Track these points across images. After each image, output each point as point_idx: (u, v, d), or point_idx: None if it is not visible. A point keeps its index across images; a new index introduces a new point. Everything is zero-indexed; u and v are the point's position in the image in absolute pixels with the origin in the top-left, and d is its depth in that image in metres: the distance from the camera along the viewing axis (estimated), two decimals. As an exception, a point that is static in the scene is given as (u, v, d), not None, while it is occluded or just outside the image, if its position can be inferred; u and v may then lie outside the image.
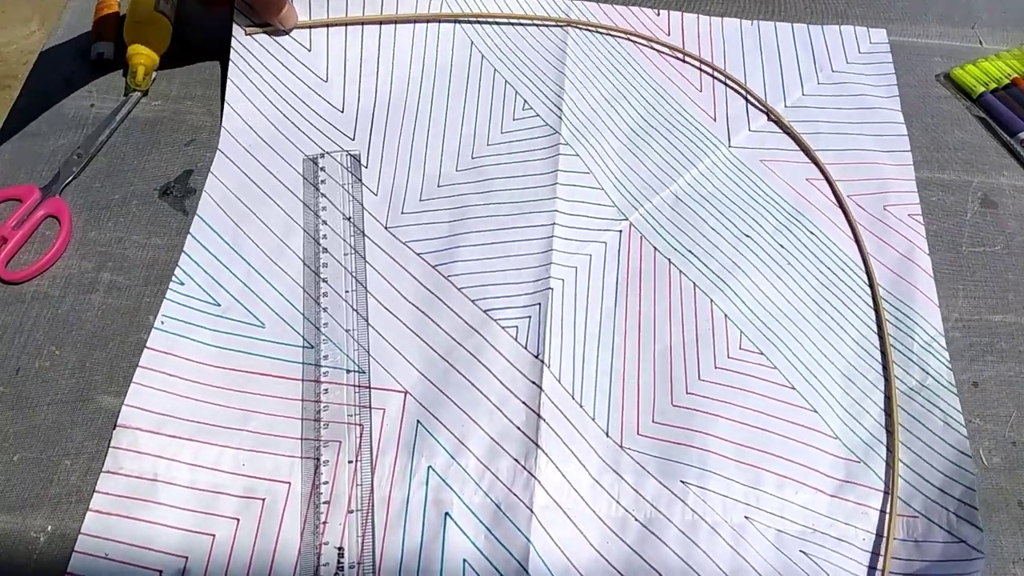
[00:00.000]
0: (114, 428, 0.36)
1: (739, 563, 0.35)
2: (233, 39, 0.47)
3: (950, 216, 0.47)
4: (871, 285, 0.43)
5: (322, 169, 0.45)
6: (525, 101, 0.49)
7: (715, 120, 0.49)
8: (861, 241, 0.45)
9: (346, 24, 0.49)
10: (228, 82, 0.47)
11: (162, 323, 0.39)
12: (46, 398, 0.38)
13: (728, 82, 0.51)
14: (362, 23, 0.49)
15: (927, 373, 0.40)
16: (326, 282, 0.41)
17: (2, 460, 0.36)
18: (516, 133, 0.47)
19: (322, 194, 0.44)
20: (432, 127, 0.47)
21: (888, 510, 0.37)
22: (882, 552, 0.35)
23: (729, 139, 0.49)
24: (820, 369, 0.40)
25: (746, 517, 0.36)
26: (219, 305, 0.40)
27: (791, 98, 0.51)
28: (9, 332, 0.39)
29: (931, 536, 0.36)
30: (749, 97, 0.50)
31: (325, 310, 0.40)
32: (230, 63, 0.47)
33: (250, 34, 0.47)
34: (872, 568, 0.35)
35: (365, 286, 0.41)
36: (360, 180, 0.45)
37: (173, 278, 0.41)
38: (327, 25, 0.49)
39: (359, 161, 0.46)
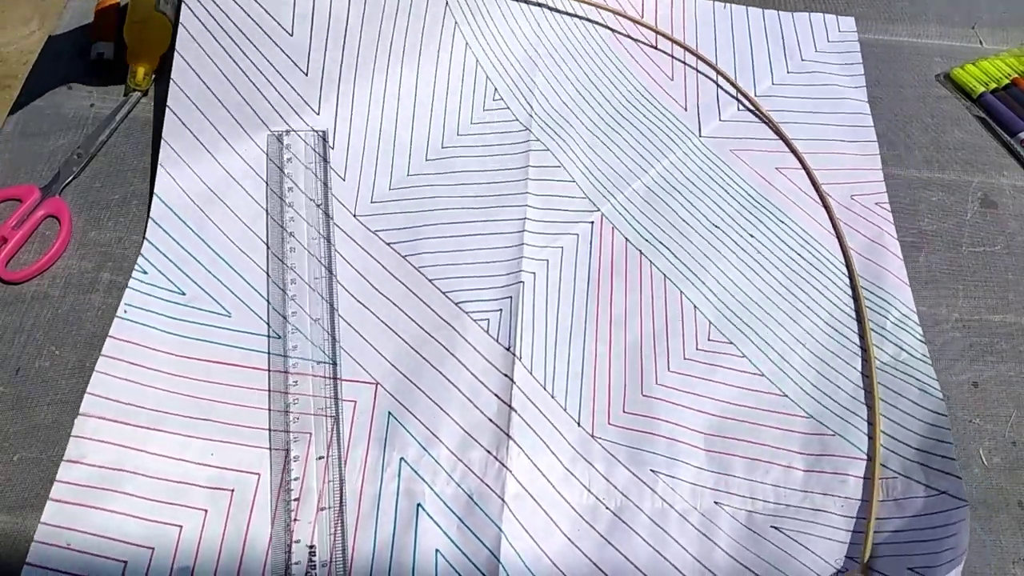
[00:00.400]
0: (76, 417, 0.36)
1: (708, 547, 0.35)
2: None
3: (950, 216, 0.47)
4: (848, 264, 0.44)
5: (287, 147, 0.44)
6: (496, 89, 0.48)
7: (686, 110, 0.50)
8: (836, 221, 0.45)
9: None
10: (178, 26, 0.43)
11: (125, 312, 0.39)
12: (46, 398, 0.37)
13: (700, 68, 0.51)
14: None
15: (901, 348, 0.41)
16: (293, 269, 0.41)
17: (2, 460, 0.36)
18: (486, 125, 0.47)
19: (287, 175, 0.43)
20: (401, 110, 0.46)
21: (871, 475, 0.37)
22: (865, 515, 0.36)
23: (700, 129, 0.49)
24: (792, 353, 0.41)
25: (716, 503, 0.36)
26: (184, 294, 0.40)
27: (761, 87, 0.51)
28: (9, 332, 0.39)
29: (910, 492, 0.37)
30: (721, 84, 0.51)
31: (292, 298, 0.40)
32: (183, 5, 0.43)
33: None
34: (852, 532, 0.36)
35: (333, 274, 0.41)
36: (327, 162, 0.44)
37: (136, 267, 0.40)
38: None
39: (326, 141, 0.44)
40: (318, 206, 0.43)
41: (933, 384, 0.40)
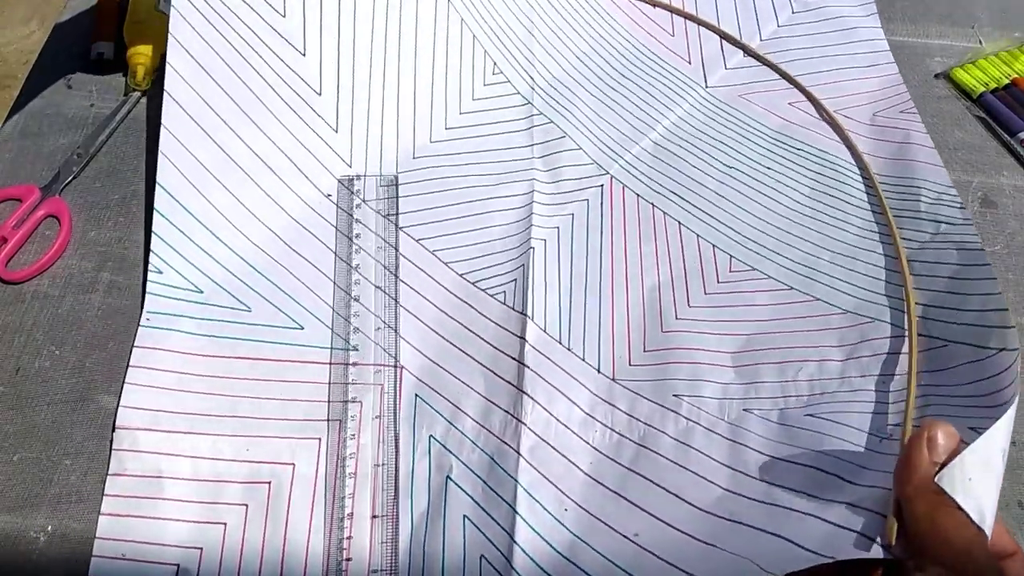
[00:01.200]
0: (113, 431, 0.36)
1: (738, 451, 0.34)
2: None
3: (950, 216, 0.47)
4: (855, 156, 0.44)
5: (290, 132, 0.43)
6: (495, 64, 0.48)
7: (690, 63, 0.49)
8: (844, 133, 0.45)
9: None
10: (171, 10, 0.41)
11: (148, 320, 0.39)
12: (46, 398, 0.37)
13: (701, 24, 0.51)
14: None
15: (939, 223, 0.41)
16: (307, 259, 0.41)
17: (2, 460, 0.36)
18: (488, 101, 0.47)
19: (291, 160, 0.43)
20: (402, 87, 0.45)
21: (910, 344, 0.36)
22: (903, 388, 0.34)
23: (705, 80, 0.49)
24: (820, 261, 0.41)
25: (744, 410, 0.36)
26: (202, 292, 0.40)
27: (766, 31, 0.51)
28: (9, 332, 0.39)
29: (961, 358, 0.35)
30: (723, 38, 0.50)
31: (310, 289, 0.40)
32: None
33: None
34: (891, 403, 0.34)
35: (349, 263, 0.41)
36: (333, 149, 0.44)
37: (150, 267, 0.40)
38: None
39: (332, 128, 0.44)
40: (327, 196, 0.43)
41: (974, 243, 0.39)
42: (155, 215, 0.40)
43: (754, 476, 0.33)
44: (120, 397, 0.37)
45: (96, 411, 0.37)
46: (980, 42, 0.55)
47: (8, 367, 0.38)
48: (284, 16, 0.43)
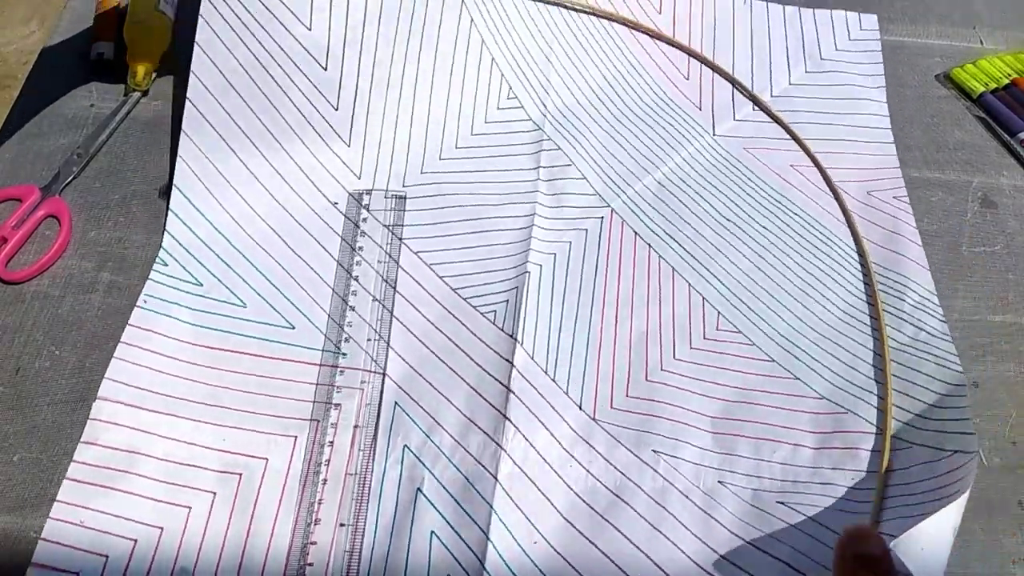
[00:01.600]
0: (95, 401, 0.36)
1: (709, 524, 0.35)
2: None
3: (950, 216, 0.47)
4: (856, 241, 0.44)
5: (304, 144, 0.44)
6: (511, 87, 0.48)
7: (700, 109, 0.50)
8: (849, 212, 0.45)
9: None
10: (199, 19, 0.43)
11: (145, 302, 0.39)
12: (46, 398, 0.37)
13: (716, 71, 0.51)
14: None
15: (920, 328, 0.41)
16: (307, 263, 0.42)
17: (2, 460, 0.36)
18: (499, 124, 0.47)
19: (301, 168, 0.44)
20: (417, 106, 0.46)
21: (881, 447, 0.37)
22: (875, 485, 0.36)
23: (714, 127, 0.49)
24: (803, 338, 0.41)
25: (719, 482, 0.36)
26: (201, 285, 0.40)
27: (778, 87, 0.51)
28: (9, 332, 0.39)
29: (923, 458, 0.36)
30: (735, 86, 0.50)
31: (307, 292, 0.41)
32: (202, 2, 0.43)
33: None
34: (860, 502, 0.35)
35: (350, 273, 0.41)
36: (344, 162, 0.44)
37: (157, 259, 0.41)
38: None
39: (345, 142, 0.45)
40: (333, 204, 0.43)
41: (952, 359, 0.40)
42: (169, 215, 0.42)
43: (724, 556, 0.34)
44: (107, 370, 0.37)
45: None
46: (980, 42, 0.55)
47: (8, 367, 0.38)
48: (310, 30, 0.44)
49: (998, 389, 0.41)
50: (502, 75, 0.48)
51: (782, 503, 0.36)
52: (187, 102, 0.43)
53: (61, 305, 0.40)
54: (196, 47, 0.43)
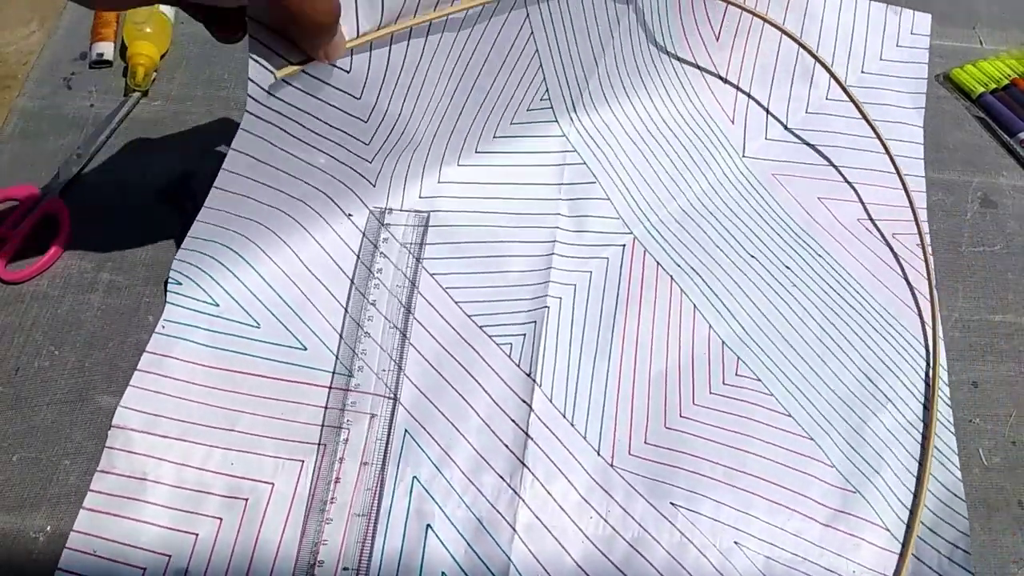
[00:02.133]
0: (109, 428, 0.36)
1: None
2: (252, 90, 0.32)
3: (950, 216, 0.47)
4: (879, 312, 0.43)
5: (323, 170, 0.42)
6: (547, 88, 0.44)
7: (733, 123, 0.48)
8: (869, 268, 0.44)
9: (392, 32, 0.34)
10: (240, 131, 0.34)
11: (163, 327, 0.39)
12: (45, 398, 0.37)
13: (754, 89, 0.49)
14: (411, 26, 0.35)
15: (927, 409, 0.40)
16: (321, 281, 0.41)
17: (2, 460, 0.36)
18: (525, 127, 0.45)
19: (321, 191, 0.41)
20: (442, 100, 0.41)
21: (903, 554, 0.36)
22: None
23: (744, 146, 0.48)
24: (818, 396, 0.40)
25: (735, 542, 0.36)
26: (217, 305, 0.40)
27: (814, 103, 0.49)
28: (8, 332, 0.39)
29: None
30: (771, 108, 0.48)
31: (320, 313, 0.40)
32: (245, 112, 0.33)
33: (283, 77, 0.32)
34: None
35: (364, 294, 0.41)
36: (355, 170, 0.41)
37: (170, 279, 0.40)
38: (371, 40, 0.34)
39: (367, 161, 0.41)
40: (348, 216, 0.42)
41: (953, 459, 0.38)
42: (188, 237, 0.38)
43: None
44: (122, 397, 0.37)
45: (95, 411, 0.37)
46: (980, 42, 0.55)
47: (7, 367, 0.38)
48: (359, 99, 0.37)
49: (998, 389, 0.41)
50: (540, 66, 0.43)
51: None
52: (232, 150, 0.35)
53: (61, 305, 0.40)
54: (232, 150, 0.35)
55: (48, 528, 0.34)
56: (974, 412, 0.40)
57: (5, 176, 0.44)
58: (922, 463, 0.38)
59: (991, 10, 0.57)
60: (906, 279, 0.44)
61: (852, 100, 0.46)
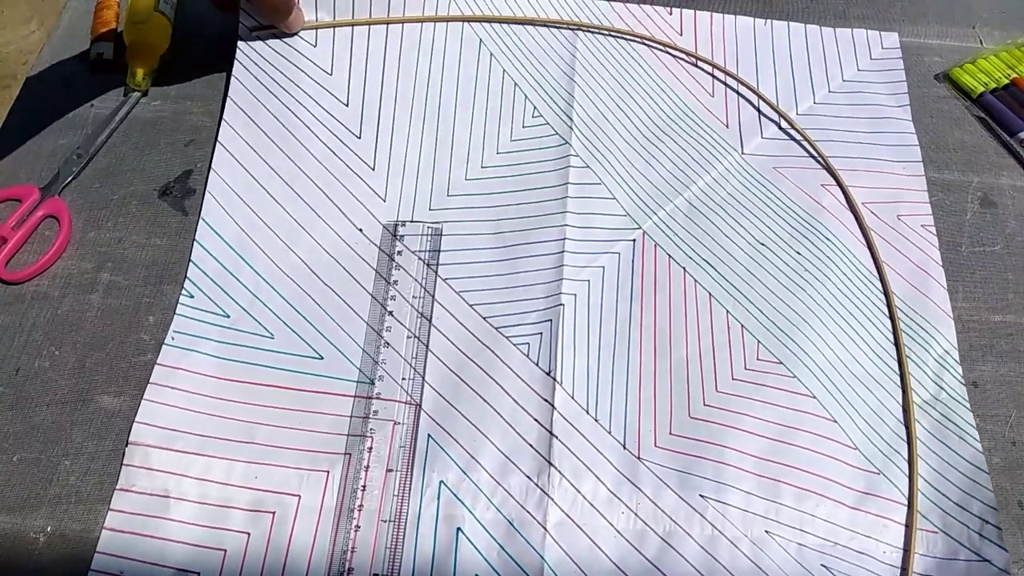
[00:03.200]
0: (126, 446, 0.36)
1: None
2: (239, 40, 0.48)
3: (950, 216, 0.47)
4: (886, 295, 0.43)
5: (329, 171, 0.45)
6: (535, 107, 0.48)
7: (727, 127, 0.49)
8: (875, 249, 0.44)
9: (352, 25, 0.49)
10: (231, 78, 0.47)
11: (172, 339, 0.39)
12: (45, 398, 0.37)
13: (741, 88, 0.50)
14: (368, 24, 0.49)
15: (941, 388, 0.40)
16: (334, 290, 0.41)
17: (2, 460, 0.36)
18: (526, 142, 0.47)
19: (330, 199, 0.44)
20: (441, 128, 0.47)
21: (909, 523, 0.36)
22: (906, 566, 0.35)
23: (742, 146, 0.48)
24: (839, 378, 0.40)
25: (766, 531, 0.36)
26: (228, 316, 0.40)
27: (803, 106, 0.50)
28: (9, 332, 0.39)
29: (952, 554, 0.36)
30: (762, 106, 0.50)
31: (337, 324, 0.40)
32: (235, 60, 0.47)
33: (255, 37, 0.48)
34: None
35: (383, 304, 0.41)
36: (369, 186, 0.44)
37: (183, 292, 0.40)
38: (334, 26, 0.49)
39: (369, 167, 0.45)
40: (359, 230, 0.43)
41: (973, 433, 0.39)
42: (195, 246, 0.42)
43: None
44: (126, 398, 0.37)
45: (95, 411, 0.37)
46: (980, 42, 0.55)
47: (8, 367, 0.38)
48: (331, 74, 0.47)
49: (998, 389, 0.41)
50: (526, 97, 0.48)
51: (825, 566, 0.35)
52: (217, 144, 0.44)
53: (61, 305, 0.40)
54: (228, 99, 0.46)
55: (48, 528, 0.34)
56: (974, 412, 0.40)
57: (5, 176, 0.44)
58: (910, 442, 0.39)
59: (991, 10, 0.57)
60: (911, 259, 0.44)
61: (801, 135, 0.49)
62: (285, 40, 0.48)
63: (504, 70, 0.49)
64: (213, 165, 0.44)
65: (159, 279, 0.41)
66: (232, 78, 0.47)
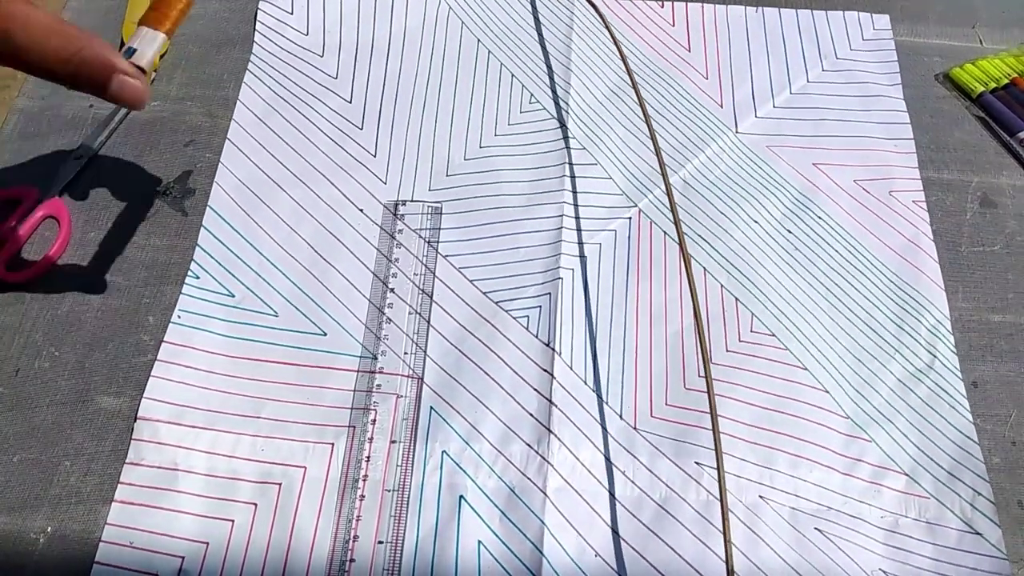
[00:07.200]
0: (135, 421, 0.37)
1: (753, 541, 0.36)
2: (253, 49, 0.50)
3: (950, 216, 0.47)
4: (877, 267, 0.44)
5: (329, 157, 0.46)
6: (532, 95, 0.49)
7: (722, 106, 0.50)
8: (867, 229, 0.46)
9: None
10: (243, 85, 0.48)
11: (179, 317, 0.40)
12: (46, 399, 0.37)
13: (734, 66, 0.52)
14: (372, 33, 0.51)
15: (935, 356, 0.41)
16: (337, 269, 0.42)
17: (2, 461, 0.36)
18: (523, 125, 0.48)
19: (331, 182, 0.45)
20: (440, 114, 0.48)
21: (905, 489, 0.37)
22: (895, 529, 0.36)
23: (736, 125, 0.49)
24: (830, 350, 0.41)
25: (760, 496, 0.37)
26: (233, 296, 0.41)
27: (796, 85, 0.51)
28: (9, 333, 0.39)
29: (943, 520, 0.37)
30: (755, 85, 0.51)
31: (340, 301, 0.41)
32: (247, 70, 0.49)
33: (268, 45, 0.50)
34: (888, 546, 0.36)
35: (385, 281, 0.42)
36: (370, 169, 0.46)
37: (189, 272, 0.41)
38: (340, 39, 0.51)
39: (372, 154, 0.46)
40: (360, 210, 0.44)
41: (963, 403, 0.40)
42: (202, 231, 0.43)
43: None
44: (127, 395, 0.37)
45: (95, 412, 0.37)
46: (980, 42, 0.55)
47: (8, 368, 0.38)
48: (336, 78, 0.49)
49: (998, 389, 0.41)
50: (523, 86, 0.50)
51: (819, 530, 0.36)
52: (227, 141, 0.46)
53: (61, 305, 0.40)
54: (239, 103, 0.48)
55: (48, 529, 0.34)
56: (974, 412, 0.40)
57: (5, 176, 0.44)
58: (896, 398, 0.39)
59: (991, 10, 0.57)
60: (904, 235, 0.45)
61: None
62: (294, 53, 0.50)
63: (501, 64, 0.50)
64: (223, 159, 0.45)
65: (159, 279, 0.41)
66: (243, 85, 0.48)
